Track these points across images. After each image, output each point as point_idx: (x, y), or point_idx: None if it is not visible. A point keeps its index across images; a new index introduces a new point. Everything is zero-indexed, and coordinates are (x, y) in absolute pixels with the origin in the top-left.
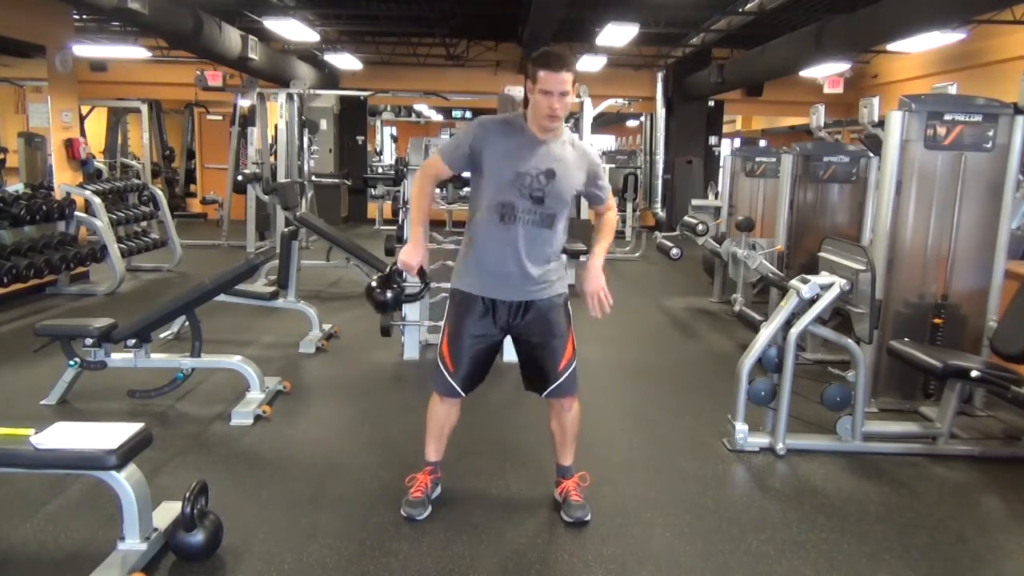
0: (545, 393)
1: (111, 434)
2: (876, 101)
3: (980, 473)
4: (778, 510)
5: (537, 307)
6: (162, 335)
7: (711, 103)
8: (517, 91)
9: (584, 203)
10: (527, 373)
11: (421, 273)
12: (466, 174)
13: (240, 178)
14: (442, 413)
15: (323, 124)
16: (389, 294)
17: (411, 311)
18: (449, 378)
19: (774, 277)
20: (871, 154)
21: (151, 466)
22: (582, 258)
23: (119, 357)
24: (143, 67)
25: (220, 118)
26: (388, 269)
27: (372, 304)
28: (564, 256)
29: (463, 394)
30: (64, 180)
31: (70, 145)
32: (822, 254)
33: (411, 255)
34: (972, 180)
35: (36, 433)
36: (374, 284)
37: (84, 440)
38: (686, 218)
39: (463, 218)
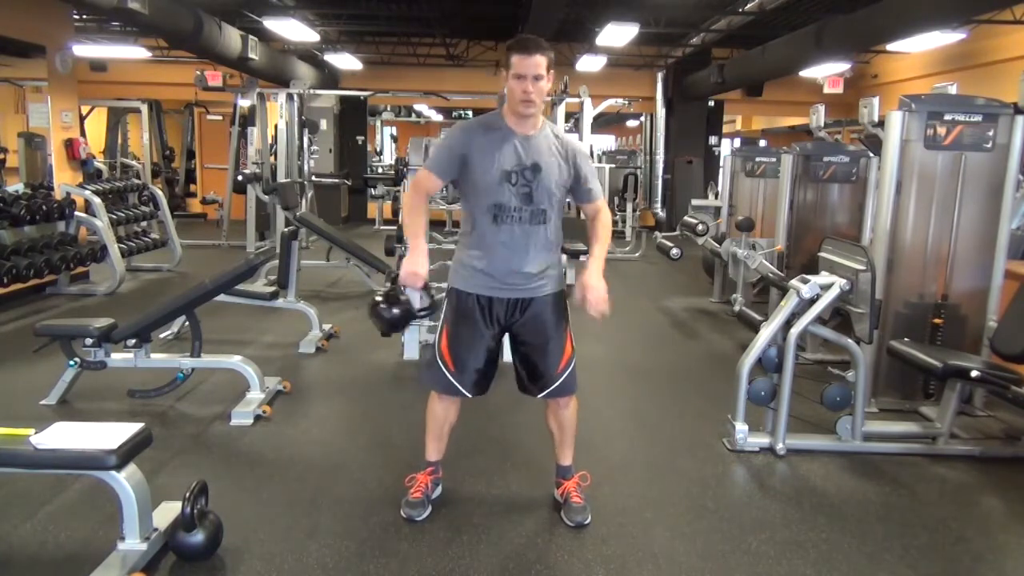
0: (544, 394)
1: (111, 434)
2: (876, 101)
3: (980, 473)
4: (778, 510)
5: (534, 305)
6: (162, 335)
7: (711, 103)
8: None
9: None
10: (524, 374)
11: (426, 287)
12: None
13: (240, 178)
14: (440, 411)
15: (323, 124)
16: (396, 311)
17: None
18: (449, 376)
19: (774, 277)
20: (871, 154)
21: (151, 466)
22: (582, 258)
23: (119, 357)
24: (143, 67)
25: (220, 118)
26: (391, 284)
27: (379, 323)
28: (562, 255)
29: (468, 394)
30: (64, 180)
31: (70, 145)
32: (822, 254)
33: (415, 262)
34: (972, 180)
35: (36, 433)
36: (379, 299)
37: (84, 440)
38: (686, 218)
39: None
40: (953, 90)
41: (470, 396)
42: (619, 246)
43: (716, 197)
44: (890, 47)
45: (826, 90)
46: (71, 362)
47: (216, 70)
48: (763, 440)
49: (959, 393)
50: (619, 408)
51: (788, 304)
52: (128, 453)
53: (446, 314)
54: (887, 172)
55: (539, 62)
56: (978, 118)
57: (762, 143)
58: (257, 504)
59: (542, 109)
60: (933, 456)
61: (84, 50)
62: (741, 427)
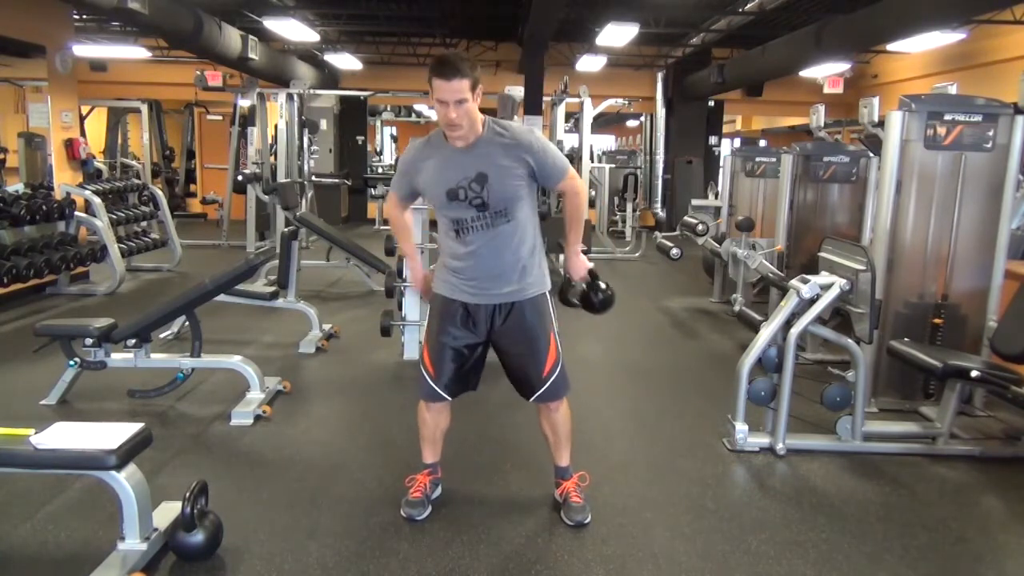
0: (532, 399)
1: (111, 434)
2: (876, 101)
3: (980, 473)
4: (778, 510)
5: (516, 310)
6: (162, 335)
7: (711, 103)
8: (517, 91)
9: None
10: (513, 379)
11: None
12: None
13: (240, 178)
14: (430, 419)
15: (323, 124)
16: (602, 294)
17: (411, 311)
18: (431, 382)
19: (774, 277)
20: (871, 154)
21: (151, 466)
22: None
23: (119, 357)
24: (143, 67)
25: (220, 118)
26: (570, 279)
27: (603, 309)
28: (542, 255)
29: (447, 398)
30: (64, 180)
31: (70, 145)
32: (822, 254)
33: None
34: (972, 180)
35: (36, 433)
36: (586, 294)
37: (84, 440)
38: (686, 218)
39: None
40: (953, 90)
41: (449, 399)
42: (619, 246)
43: (716, 197)
44: (890, 47)
45: (826, 90)
46: (71, 362)
47: (216, 70)
48: (763, 440)
49: (959, 393)
50: (619, 408)
51: (788, 304)
52: (128, 453)
53: (429, 320)
54: (887, 172)
55: (460, 87)
56: (978, 118)
57: (762, 143)
58: (257, 504)
59: (473, 127)
60: (933, 456)
61: (84, 50)
62: (741, 427)
